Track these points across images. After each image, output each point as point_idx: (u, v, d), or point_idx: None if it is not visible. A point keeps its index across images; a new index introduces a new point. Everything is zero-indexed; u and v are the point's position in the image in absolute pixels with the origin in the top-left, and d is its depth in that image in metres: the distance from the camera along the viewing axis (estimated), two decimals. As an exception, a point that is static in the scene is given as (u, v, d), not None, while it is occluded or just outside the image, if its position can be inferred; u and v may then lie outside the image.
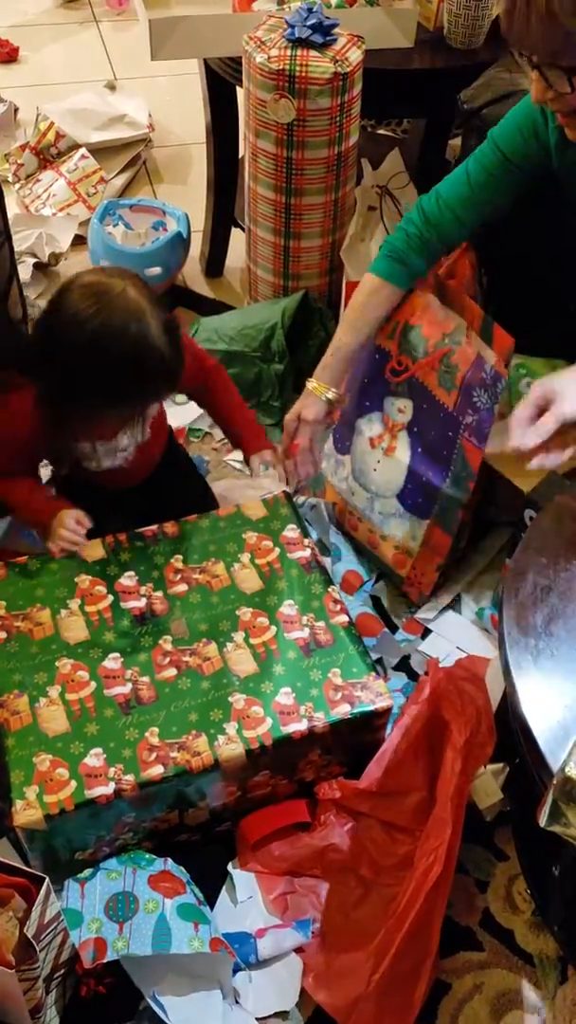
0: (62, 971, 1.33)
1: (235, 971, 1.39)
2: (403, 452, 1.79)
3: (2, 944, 1.19)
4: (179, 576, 1.59)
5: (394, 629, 1.84)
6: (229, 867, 1.50)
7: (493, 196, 1.69)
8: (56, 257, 2.53)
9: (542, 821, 1.14)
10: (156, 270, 2.38)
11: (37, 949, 1.20)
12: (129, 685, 1.46)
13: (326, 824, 1.52)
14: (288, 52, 1.89)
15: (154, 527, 1.65)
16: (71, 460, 1.64)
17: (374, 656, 1.79)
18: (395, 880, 1.46)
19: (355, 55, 1.93)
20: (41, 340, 1.49)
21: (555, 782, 1.12)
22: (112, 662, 1.48)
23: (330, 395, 1.79)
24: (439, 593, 1.87)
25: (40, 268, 2.52)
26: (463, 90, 1.95)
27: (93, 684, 1.46)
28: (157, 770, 1.37)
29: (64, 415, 1.51)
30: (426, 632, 1.83)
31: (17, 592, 1.56)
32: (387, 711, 1.49)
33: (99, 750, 1.39)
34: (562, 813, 1.13)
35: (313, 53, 1.89)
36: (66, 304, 1.45)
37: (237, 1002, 1.39)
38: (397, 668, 1.78)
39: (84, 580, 1.58)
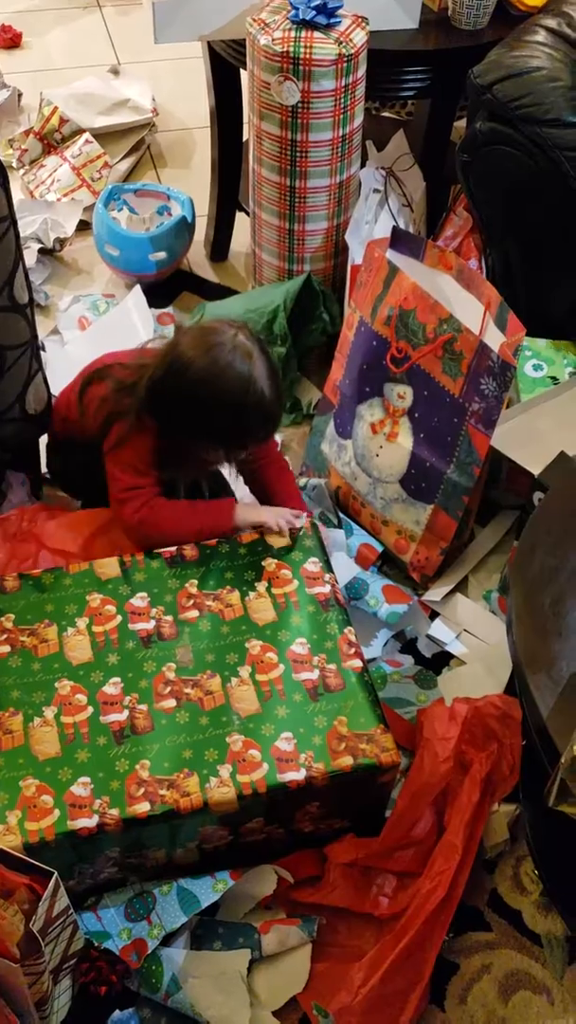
0: (72, 962, 1.33)
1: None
2: (405, 438, 1.79)
3: (6, 937, 1.18)
4: (191, 602, 1.56)
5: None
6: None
7: None
8: (61, 242, 2.53)
9: (550, 801, 1.15)
10: (161, 255, 2.38)
11: (43, 944, 1.18)
12: (126, 712, 1.42)
13: (334, 884, 1.46)
14: (292, 34, 1.88)
15: (172, 549, 1.62)
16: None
17: (401, 628, 1.78)
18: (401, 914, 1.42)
19: (359, 36, 1.92)
20: (158, 383, 1.58)
21: (563, 761, 1.13)
22: (112, 687, 1.45)
23: None
24: (445, 576, 1.86)
25: (45, 253, 2.52)
26: (472, 68, 1.94)
27: (90, 709, 1.43)
28: (143, 807, 1.33)
29: (180, 451, 1.64)
30: (433, 615, 1.83)
31: (28, 606, 1.54)
32: (393, 767, 1.40)
33: (87, 779, 1.36)
34: (570, 792, 1.13)
35: (317, 34, 1.88)
36: (178, 349, 1.56)
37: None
38: (403, 651, 1.78)
39: (95, 599, 1.56)
